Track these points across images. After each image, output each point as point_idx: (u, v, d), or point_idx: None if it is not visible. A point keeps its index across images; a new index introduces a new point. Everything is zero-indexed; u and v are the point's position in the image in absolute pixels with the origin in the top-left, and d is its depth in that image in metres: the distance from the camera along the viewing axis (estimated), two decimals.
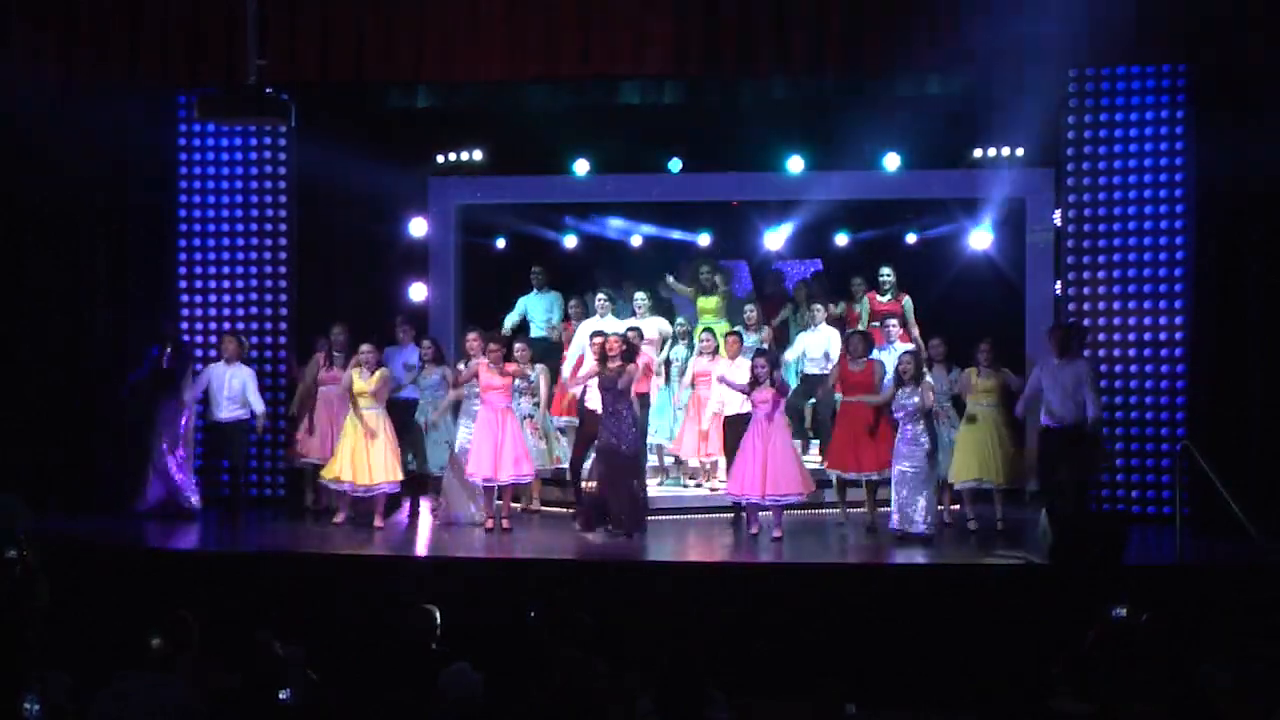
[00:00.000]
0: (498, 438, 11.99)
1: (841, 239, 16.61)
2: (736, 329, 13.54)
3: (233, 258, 13.69)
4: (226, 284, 13.70)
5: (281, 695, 7.14)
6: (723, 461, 12.90)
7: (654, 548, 11.71)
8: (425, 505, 13.02)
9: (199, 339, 13.57)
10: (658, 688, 6.71)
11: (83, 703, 6.96)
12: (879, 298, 14.25)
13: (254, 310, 13.70)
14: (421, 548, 12.07)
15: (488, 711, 6.94)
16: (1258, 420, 12.03)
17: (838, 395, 12.68)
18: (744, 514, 12.07)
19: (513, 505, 12.89)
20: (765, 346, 13.01)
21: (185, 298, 13.67)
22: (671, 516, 12.71)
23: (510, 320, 14.40)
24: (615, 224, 16.63)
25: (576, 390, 12.69)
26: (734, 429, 12.39)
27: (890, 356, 12.69)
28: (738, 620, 10.20)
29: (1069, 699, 7.61)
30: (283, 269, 13.69)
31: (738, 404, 12.42)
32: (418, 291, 15.25)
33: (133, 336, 13.08)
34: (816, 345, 13.61)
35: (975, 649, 9.72)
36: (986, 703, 7.62)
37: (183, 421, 12.81)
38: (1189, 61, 12.02)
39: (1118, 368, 12.64)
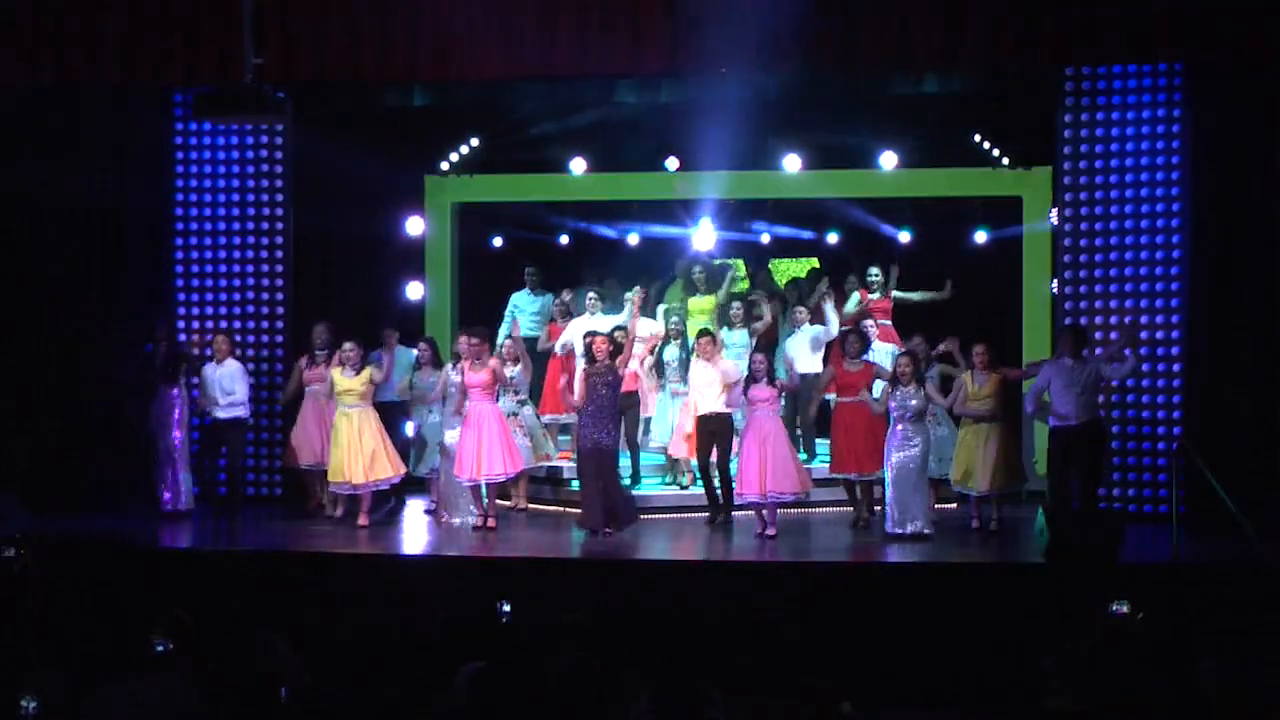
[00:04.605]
0: (479, 436, 11.94)
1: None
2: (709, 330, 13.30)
3: (229, 256, 13.67)
4: (224, 282, 13.68)
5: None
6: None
7: (651, 546, 11.69)
8: (419, 505, 13.01)
9: (194, 338, 13.53)
10: (656, 687, 6.71)
11: (81, 702, 6.94)
12: (870, 295, 14.23)
13: (250, 309, 13.68)
14: (416, 547, 12.07)
15: (487, 712, 6.92)
16: (1253, 419, 12.04)
17: (829, 396, 12.59)
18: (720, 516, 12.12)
19: (501, 503, 12.82)
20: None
21: (182, 296, 13.66)
22: (670, 515, 12.70)
23: (504, 330, 14.21)
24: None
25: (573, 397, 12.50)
26: (704, 427, 12.29)
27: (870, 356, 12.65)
28: (736, 619, 10.19)
29: (1064, 698, 7.61)
30: (279, 267, 13.67)
31: (711, 402, 12.29)
32: (414, 290, 15.24)
33: (130, 335, 13.06)
34: (801, 346, 13.50)
35: (971, 648, 9.72)
36: (982, 701, 7.65)
37: (175, 419, 12.70)
38: (1186, 60, 12.03)
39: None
